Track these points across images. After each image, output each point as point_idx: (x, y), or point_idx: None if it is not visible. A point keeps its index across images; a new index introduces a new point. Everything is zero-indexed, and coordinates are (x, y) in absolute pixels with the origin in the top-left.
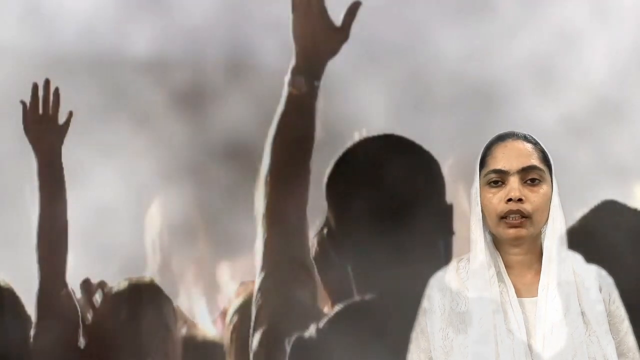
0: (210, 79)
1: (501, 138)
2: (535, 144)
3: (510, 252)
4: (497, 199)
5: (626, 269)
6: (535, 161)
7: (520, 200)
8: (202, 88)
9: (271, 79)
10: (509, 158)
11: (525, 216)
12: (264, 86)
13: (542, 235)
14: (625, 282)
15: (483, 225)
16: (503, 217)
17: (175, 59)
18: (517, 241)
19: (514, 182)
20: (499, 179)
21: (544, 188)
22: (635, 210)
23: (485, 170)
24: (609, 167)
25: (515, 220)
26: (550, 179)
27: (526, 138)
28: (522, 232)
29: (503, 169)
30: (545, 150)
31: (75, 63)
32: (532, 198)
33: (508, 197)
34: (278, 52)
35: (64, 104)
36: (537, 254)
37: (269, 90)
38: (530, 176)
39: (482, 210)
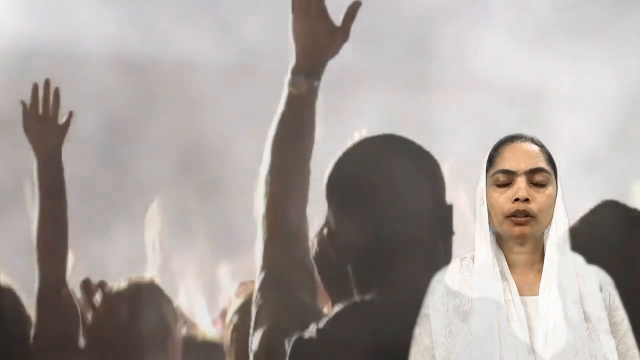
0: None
1: (509, 140)
2: (542, 146)
3: (514, 250)
4: (504, 198)
5: (626, 269)
6: (542, 163)
7: (526, 200)
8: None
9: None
10: (517, 159)
11: (530, 215)
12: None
13: (545, 236)
14: (625, 282)
15: (488, 224)
16: (509, 215)
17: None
18: (521, 239)
19: (521, 182)
20: (506, 179)
21: (549, 189)
22: (635, 210)
23: (492, 170)
24: None
25: (521, 218)
26: (555, 181)
27: (533, 140)
28: (526, 229)
29: (511, 169)
30: (550, 153)
31: None
32: (538, 198)
33: (515, 197)
34: (278, 52)
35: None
36: (540, 254)
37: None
38: (536, 177)
39: (487, 209)
